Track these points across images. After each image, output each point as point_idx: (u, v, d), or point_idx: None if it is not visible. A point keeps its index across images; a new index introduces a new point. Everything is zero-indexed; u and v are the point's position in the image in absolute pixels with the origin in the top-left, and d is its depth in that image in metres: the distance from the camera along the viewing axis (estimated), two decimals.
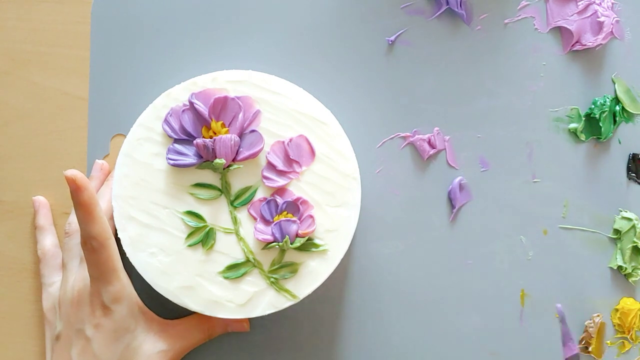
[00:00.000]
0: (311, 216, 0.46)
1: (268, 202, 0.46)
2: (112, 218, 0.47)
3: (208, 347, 0.51)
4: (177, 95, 0.47)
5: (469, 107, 0.52)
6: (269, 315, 0.47)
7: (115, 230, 0.47)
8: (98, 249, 0.43)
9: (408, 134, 0.51)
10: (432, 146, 0.51)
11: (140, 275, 0.46)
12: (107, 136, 0.51)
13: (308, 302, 0.50)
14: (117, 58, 0.51)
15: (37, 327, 0.52)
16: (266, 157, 0.46)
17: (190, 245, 0.46)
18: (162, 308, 0.49)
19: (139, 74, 0.51)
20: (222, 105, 0.46)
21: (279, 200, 0.46)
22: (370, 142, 0.51)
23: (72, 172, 0.42)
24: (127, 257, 0.46)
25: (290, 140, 0.46)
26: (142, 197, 0.46)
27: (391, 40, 0.51)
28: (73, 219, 0.49)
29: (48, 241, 0.50)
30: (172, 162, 0.46)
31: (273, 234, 0.46)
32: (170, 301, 0.46)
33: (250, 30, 0.51)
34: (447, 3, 0.51)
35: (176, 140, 0.46)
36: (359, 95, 0.51)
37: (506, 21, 0.52)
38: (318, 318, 0.51)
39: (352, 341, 0.51)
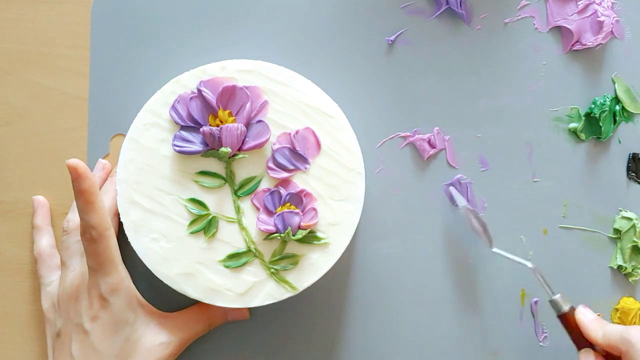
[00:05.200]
0: (314, 209, 0.46)
1: (272, 193, 0.46)
2: (116, 214, 0.47)
3: (208, 339, 0.51)
4: (185, 83, 0.47)
5: (469, 107, 0.52)
6: (269, 306, 0.47)
7: (118, 226, 0.48)
8: (97, 238, 0.44)
9: (408, 133, 0.51)
10: (432, 146, 0.51)
11: (139, 267, 0.46)
12: (107, 136, 0.51)
13: (308, 294, 0.50)
14: (117, 58, 0.51)
15: (37, 327, 0.52)
16: (272, 148, 0.46)
17: (192, 233, 0.46)
18: (161, 301, 0.49)
19: (139, 74, 0.51)
20: (230, 94, 0.46)
21: (283, 191, 0.46)
22: (370, 142, 0.51)
23: (74, 161, 0.43)
24: (129, 243, 0.46)
25: (297, 132, 0.46)
26: (146, 182, 0.46)
27: (391, 40, 0.51)
28: (71, 216, 0.49)
29: (44, 241, 0.50)
30: (177, 148, 0.46)
31: (275, 225, 0.46)
32: (170, 294, 0.46)
33: (248, 25, 0.51)
34: (447, 3, 0.51)
35: (182, 127, 0.47)
36: (359, 95, 0.51)
37: (506, 21, 0.52)
38: (317, 311, 0.51)
39: (351, 337, 0.51)
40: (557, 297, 0.47)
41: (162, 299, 0.49)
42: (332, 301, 0.51)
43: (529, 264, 0.48)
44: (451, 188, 0.51)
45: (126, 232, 0.46)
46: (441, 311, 0.51)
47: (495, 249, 0.49)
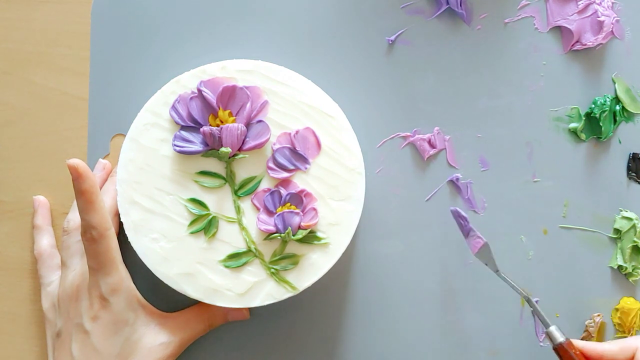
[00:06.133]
0: (314, 209, 0.46)
1: (272, 193, 0.46)
2: (116, 214, 0.48)
3: (208, 339, 0.51)
4: (185, 83, 0.47)
5: (469, 107, 0.52)
6: (269, 306, 0.47)
7: (118, 226, 0.48)
8: (98, 238, 0.44)
9: (408, 133, 0.51)
10: (432, 146, 0.51)
11: (139, 268, 0.46)
12: (107, 136, 0.51)
13: (308, 294, 0.50)
14: (117, 58, 0.51)
15: (37, 327, 0.52)
16: (272, 148, 0.46)
17: (192, 233, 0.46)
18: (161, 301, 0.49)
19: (139, 74, 0.51)
20: (230, 94, 0.46)
21: (283, 191, 0.46)
22: (370, 142, 0.51)
23: (74, 161, 0.43)
24: (129, 243, 0.46)
25: (297, 132, 0.46)
26: (146, 182, 0.46)
27: (391, 40, 0.51)
28: (72, 216, 0.49)
29: (45, 241, 0.50)
30: (178, 148, 0.46)
31: (275, 225, 0.46)
32: (170, 294, 0.46)
33: (249, 27, 0.51)
34: (447, 3, 0.51)
35: (183, 127, 0.47)
36: (359, 95, 0.51)
37: (506, 21, 0.52)
38: (318, 311, 0.51)
39: (351, 337, 0.51)
40: (552, 328, 0.47)
41: (162, 299, 0.49)
42: (332, 301, 0.51)
43: (525, 294, 0.48)
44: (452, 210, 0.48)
45: (126, 232, 0.46)
46: (441, 311, 0.51)
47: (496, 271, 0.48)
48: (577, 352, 0.46)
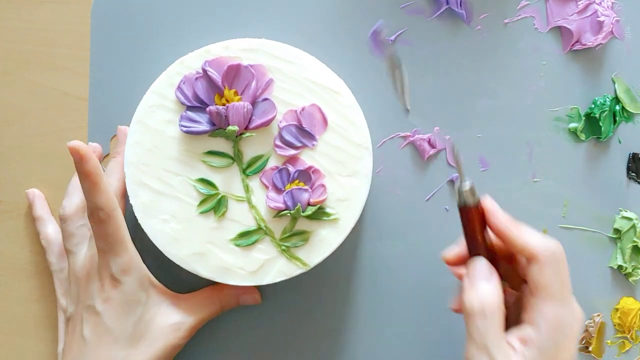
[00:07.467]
0: (323, 185, 0.46)
1: (280, 170, 0.46)
2: (123, 196, 0.47)
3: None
4: (190, 63, 0.47)
5: (469, 107, 0.52)
6: (279, 283, 0.46)
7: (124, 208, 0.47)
8: (105, 219, 0.43)
9: (408, 133, 0.51)
10: (432, 146, 0.51)
11: (149, 249, 0.46)
12: (107, 136, 0.51)
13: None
14: (117, 58, 0.51)
15: (37, 327, 0.52)
16: (278, 126, 0.46)
17: (202, 213, 0.46)
18: (172, 282, 0.49)
19: (139, 74, 0.51)
20: (235, 73, 0.46)
21: (291, 168, 0.46)
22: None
23: (75, 143, 0.42)
24: (139, 224, 0.46)
25: (303, 109, 0.46)
26: (154, 164, 0.46)
27: (391, 40, 0.51)
28: (67, 202, 0.48)
29: (50, 229, 0.50)
30: (185, 129, 0.46)
31: (285, 202, 0.46)
32: (181, 275, 0.47)
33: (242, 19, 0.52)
34: (447, 3, 0.51)
35: (189, 108, 0.47)
36: (359, 95, 0.51)
37: (506, 21, 0.52)
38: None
39: (350, 337, 0.51)
40: (467, 184, 0.42)
41: (173, 281, 0.49)
42: (333, 301, 0.51)
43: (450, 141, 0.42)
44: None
45: (136, 214, 0.46)
46: (441, 311, 0.51)
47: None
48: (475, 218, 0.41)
